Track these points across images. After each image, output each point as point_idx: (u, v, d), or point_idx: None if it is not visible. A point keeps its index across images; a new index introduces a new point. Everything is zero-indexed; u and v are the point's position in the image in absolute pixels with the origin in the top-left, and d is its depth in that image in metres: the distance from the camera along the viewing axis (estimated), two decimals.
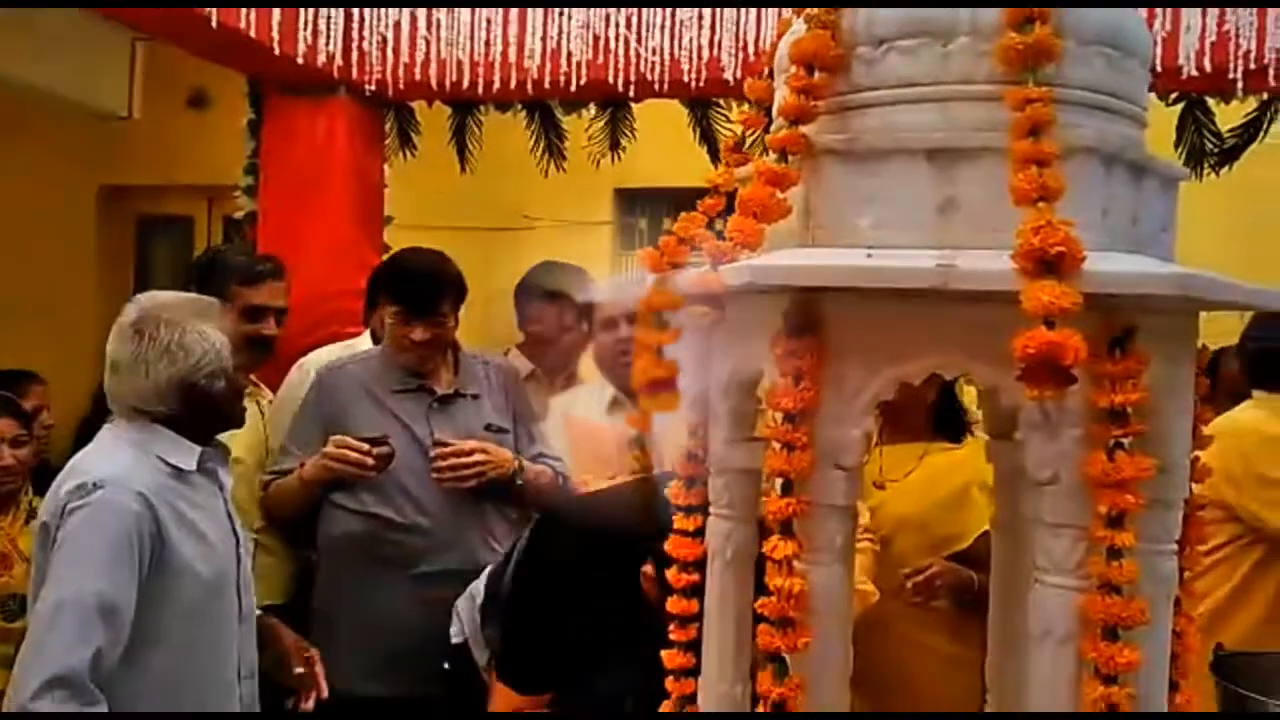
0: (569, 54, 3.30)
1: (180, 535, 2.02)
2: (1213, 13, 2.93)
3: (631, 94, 3.36)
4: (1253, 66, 2.92)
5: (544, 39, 3.31)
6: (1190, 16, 2.94)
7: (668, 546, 1.32)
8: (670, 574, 1.32)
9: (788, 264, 1.10)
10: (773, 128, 1.24)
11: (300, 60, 3.25)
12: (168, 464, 2.06)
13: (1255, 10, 2.91)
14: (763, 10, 3.17)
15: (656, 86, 3.30)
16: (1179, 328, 1.16)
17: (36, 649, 1.88)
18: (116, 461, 2.03)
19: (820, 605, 1.14)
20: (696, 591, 1.31)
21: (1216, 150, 3.26)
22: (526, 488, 2.70)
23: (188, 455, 2.09)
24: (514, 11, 3.33)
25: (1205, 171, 3.26)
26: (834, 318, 1.12)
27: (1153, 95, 1.47)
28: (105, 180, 5.54)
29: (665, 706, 1.33)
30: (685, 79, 3.26)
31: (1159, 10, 2.95)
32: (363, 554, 2.62)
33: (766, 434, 1.17)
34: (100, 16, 4.06)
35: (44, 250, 5.26)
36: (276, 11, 3.13)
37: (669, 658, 1.31)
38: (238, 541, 2.19)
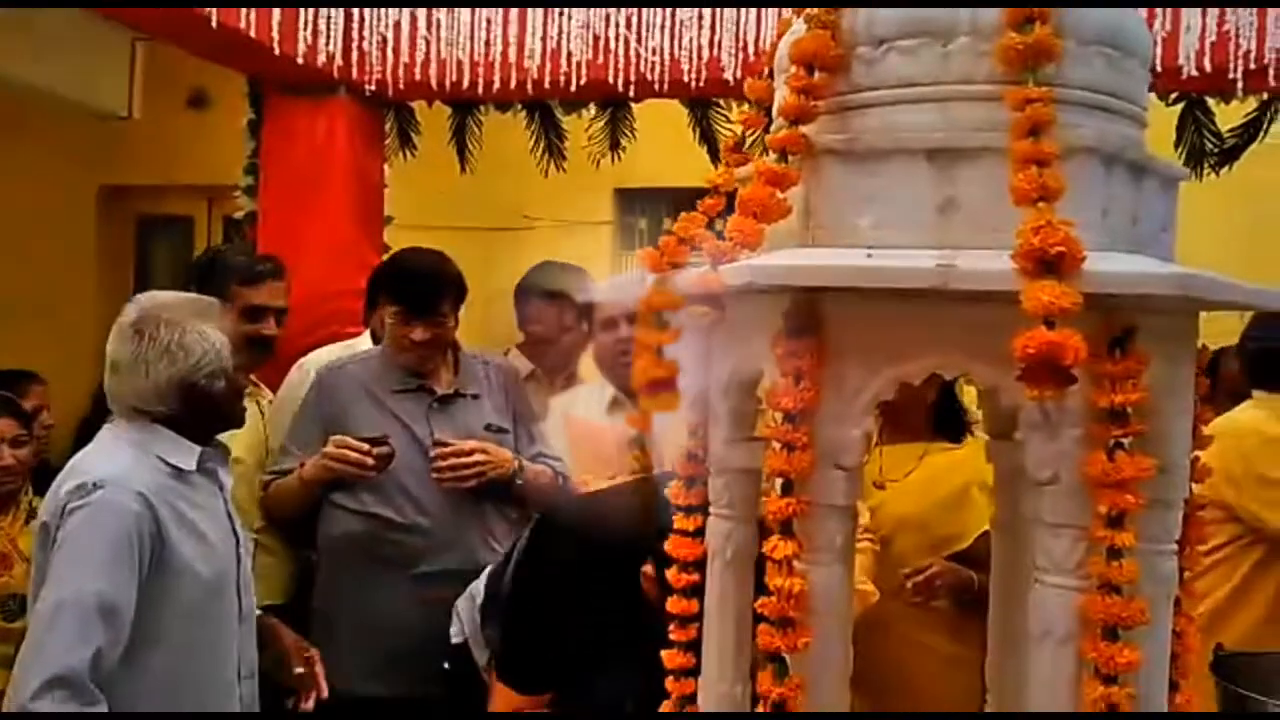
0: (569, 54, 3.30)
1: (180, 535, 2.02)
2: (1213, 13, 2.93)
3: (631, 94, 3.36)
4: (1253, 66, 2.92)
5: (544, 39, 3.31)
6: (1190, 16, 2.94)
7: (668, 546, 1.32)
8: (670, 574, 1.32)
9: (788, 264, 1.10)
10: (773, 128, 1.24)
11: (300, 60, 3.25)
12: (168, 464, 2.06)
13: (1255, 10, 2.91)
14: (763, 10, 3.17)
15: (656, 86, 3.30)
16: (1179, 328, 1.16)
17: (36, 649, 1.88)
18: (116, 461, 2.03)
19: (820, 605, 1.14)
20: (696, 591, 1.30)
21: (1216, 150, 3.26)
22: (526, 487, 2.70)
23: (188, 455, 2.09)
24: (514, 11, 3.33)
25: (1205, 172, 3.26)
26: (834, 318, 1.12)
27: (1152, 95, 1.47)
28: (105, 180, 5.54)
29: (665, 706, 1.33)
30: (685, 79, 3.26)
31: (1159, 10, 2.95)
32: (363, 554, 2.62)
33: (766, 434, 1.17)
34: (100, 16, 4.06)
35: (44, 250, 5.26)
36: (276, 11, 3.13)
37: (669, 657, 1.31)
38: (238, 541, 2.19)
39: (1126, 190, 1.15)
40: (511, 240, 4.94)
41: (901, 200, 1.12)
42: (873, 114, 1.18)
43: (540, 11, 3.31)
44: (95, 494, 1.95)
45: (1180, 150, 3.25)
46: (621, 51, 3.27)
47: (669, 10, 3.25)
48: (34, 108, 4.81)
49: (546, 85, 3.34)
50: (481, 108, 3.64)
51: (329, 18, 3.30)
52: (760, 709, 1.13)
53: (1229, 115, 3.25)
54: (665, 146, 3.64)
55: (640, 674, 1.37)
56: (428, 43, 3.37)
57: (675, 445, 1.33)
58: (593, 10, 3.28)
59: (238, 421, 2.23)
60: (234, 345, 2.16)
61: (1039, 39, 1.08)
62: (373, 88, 3.45)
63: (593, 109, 3.56)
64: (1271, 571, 2.68)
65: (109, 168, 5.40)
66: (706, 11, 3.24)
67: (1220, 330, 2.04)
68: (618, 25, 3.26)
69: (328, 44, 3.30)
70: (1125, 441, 1.04)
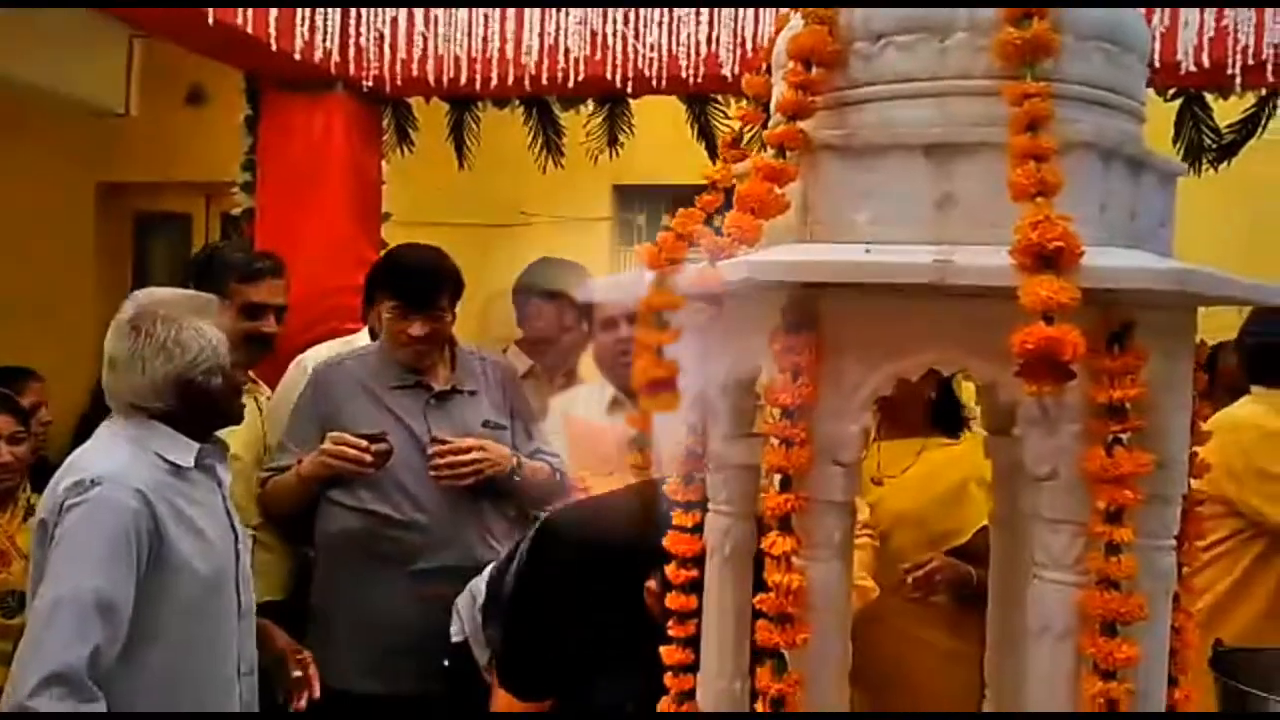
0: (567, 50, 3.29)
1: (178, 532, 2.02)
2: (1211, 8, 2.92)
3: (629, 90, 3.36)
4: (1251, 62, 2.91)
5: (542, 35, 3.31)
6: (1188, 12, 2.93)
7: (667, 543, 1.32)
8: (669, 570, 1.32)
9: (785, 260, 1.10)
10: (770, 123, 1.24)
11: (297, 56, 3.24)
12: (166, 460, 2.06)
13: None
14: (760, 6, 3.17)
15: (654, 83, 3.30)
16: (1177, 323, 1.15)
17: (35, 646, 1.87)
18: (114, 458, 2.03)
19: (819, 601, 1.13)
20: (695, 587, 1.30)
21: (1215, 146, 3.26)
22: (524, 484, 2.70)
23: (186, 452, 2.09)
24: (512, 7, 3.33)
25: (1204, 167, 3.25)
26: (832, 313, 1.12)
27: (1151, 91, 1.47)
28: (103, 177, 5.53)
29: (664, 701, 1.32)
30: (683, 75, 3.26)
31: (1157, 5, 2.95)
32: (361, 551, 2.62)
33: (765, 430, 1.16)
34: (98, 13, 4.06)
35: (42, 247, 5.25)
36: (273, 7, 3.13)
37: (668, 653, 1.31)
38: (236, 538, 2.19)
39: (1125, 185, 1.15)
40: (509, 237, 4.94)
41: (899, 196, 1.12)
42: (870, 109, 1.17)
43: (538, 8, 3.31)
44: (93, 491, 1.95)
45: (1178, 146, 3.25)
46: (619, 48, 3.27)
47: (667, 6, 3.24)
48: (32, 105, 4.80)
49: (544, 81, 3.34)
50: (479, 104, 3.64)
51: (326, 14, 3.29)
52: (759, 705, 1.13)
53: (1227, 111, 3.25)
54: (663, 143, 3.63)
55: (641, 682, 1.36)
56: (425, 39, 3.36)
57: (675, 450, 1.33)
58: (590, 6, 3.28)
59: (236, 418, 2.23)
60: (233, 342, 2.16)
61: (1037, 34, 1.07)
62: (370, 84, 3.45)
63: (590, 105, 3.56)
64: (1272, 566, 2.68)
65: (107, 165, 5.39)
66: (704, 8, 3.23)
67: (1219, 325, 2.04)
68: (615, 21, 3.26)
69: (325, 40, 3.30)
70: (1124, 437, 1.04)
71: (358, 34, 3.40)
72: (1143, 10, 1.30)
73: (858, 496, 1.23)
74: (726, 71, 3.19)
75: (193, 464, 2.09)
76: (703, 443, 1.31)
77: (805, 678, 1.13)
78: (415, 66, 3.37)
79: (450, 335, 2.78)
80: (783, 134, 1.15)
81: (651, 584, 1.59)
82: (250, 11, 3.04)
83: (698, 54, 3.23)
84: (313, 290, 3.34)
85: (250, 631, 2.21)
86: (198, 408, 2.09)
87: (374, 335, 3.01)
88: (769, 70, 1.30)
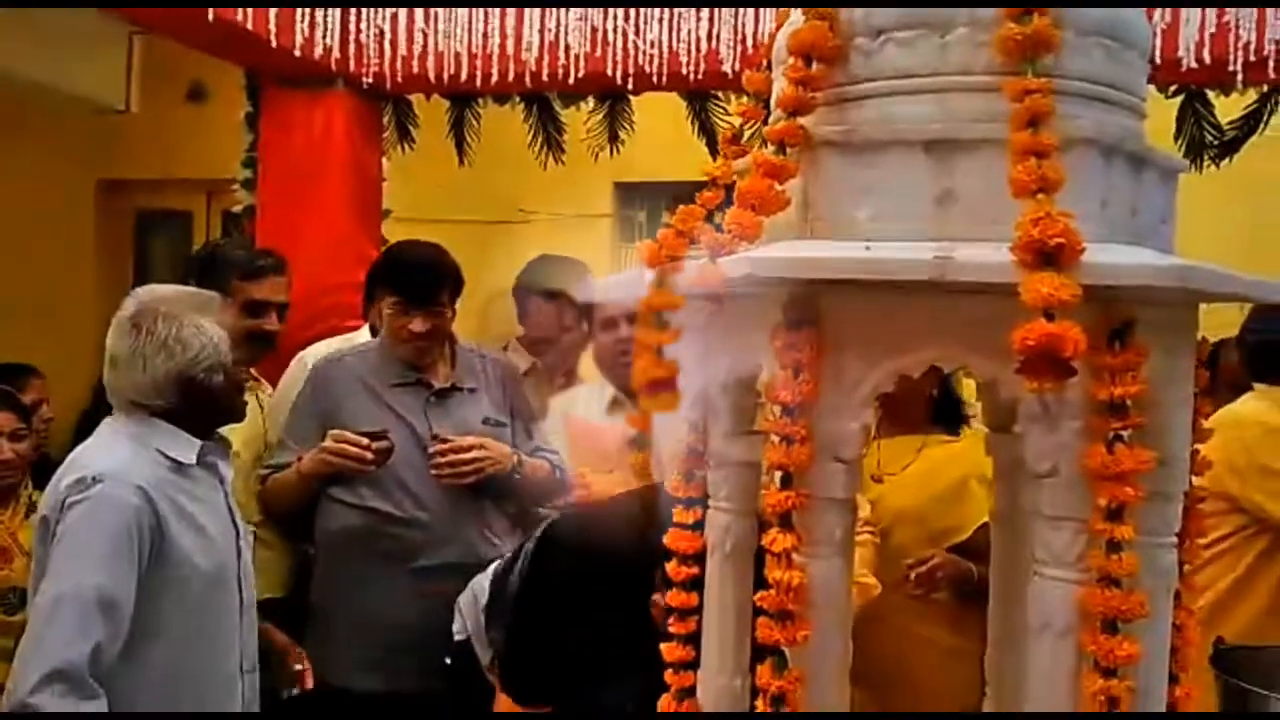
0: (567, 47, 3.29)
1: (180, 528, 2.02)
2: (1212, 7, 2.92)
3: (630, 87, 3.35)
4: (1253, 58, 2.91)
5: (542, 31, 3.31)
6: (1190, 8, 2.93)
7: (668, 540, 1.32)
8: (670, 567, 1.32)
9: (786, 256, 1.10)
10: (771, 119, 1.24)
11: (298, 53, 3.24)
12: (167, 458, 2.06)
13: None
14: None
15: (655, 79, 3.30)
16: (1179, 320, 1.15)
17: (36, 643, 1.88)
18: (116, 455, 2.03)
19: (819, 598, 1.13)
20: (696, 584, 1.30)
21: (1216, 143, 3.26)
22: (524, 482, 2.70)
23: (187, 449, 2.09)
24: (512, 7, 3.32)
25: (1205, 164, 3.25)
26: (832, 310, 1.12)
27: (1152, 87, 1.47)
28: (103, 175, 5.53)
29: (664, 698, 1.32)
30: (684, 72, 3.25)
31: None
32: (361, 548, 2.62)
33: (766, 427, 1.16)
34: (98, 10, 4.06)
35: (43, 245, 5.25)
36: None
37: (668, 650, 1.31)
38: (238, 534, 2.19)
39: (1126, 182, 1.15)
40: (510, 234, 4.94)
41: (900, 192, 1.12)
42: (870, 105, 1.17)
43: (538, 7, 3.30)
44: (95, 488, 1.95)
45: (1180, 143, 3.24)
46: (620, 44, 3.26)
47: (667, 6, 3.24)
48: (32, 102, 4.80)
49: (545, 78, 3.34)
50: (480, 100, 3.64)
51: (326, 10, 3.29)
52: (759, 702, 1.13)
53: (1229, 107, 3.25)
54: (664, 139, 3.63)
55: (644, 691, 1.36)
56: (425, 35, 3.36)
57: (675, 449, 1.33)
58: (591, 6, 3.27)
59: (238, 416, 2.23)
60: (234, 340, 2.16)
61: (1037, 30, 1.07)
62: (370, 80, 3.45)
63: (591, 102, 3.55)
64: (1275, 563, 2.68)
65: (107, 162, 5.39)
66: (705, 7, 3.23)
67: (1221, 322, 2.04)
68: (616, 18, 3.26)
69: (325, 36, 3.29)
70: (1125, 434, 1.04)
71: (358, 30, 3.39)
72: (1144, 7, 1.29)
73: (859, 494, 1.23)
74: (727, 68, 3.18)
75: (194, 461, 2.10)
76: (703, 440, 1.31)
77: (806, 675, 1.13)
78: (416, 63, 3.37)
79: (450, 332, 2.78)
80: (783, 130, 1.14)
81: (658, 597, 1.59)
82: (250, 8, 3.03)
83: (698, 50, 3.23)
84: (313, 287, 3.34)
85: (252, 628, 2.21)
86: (199, 405, 2.09)
87: (374, 332, 3.01)
88: (769, 66, 1.30)
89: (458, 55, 3.36)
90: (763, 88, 1.30)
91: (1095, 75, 1.16)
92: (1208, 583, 2.54)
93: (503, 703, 2.00)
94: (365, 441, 2.57)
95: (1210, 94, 3.22)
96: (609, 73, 3.28)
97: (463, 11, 3.35)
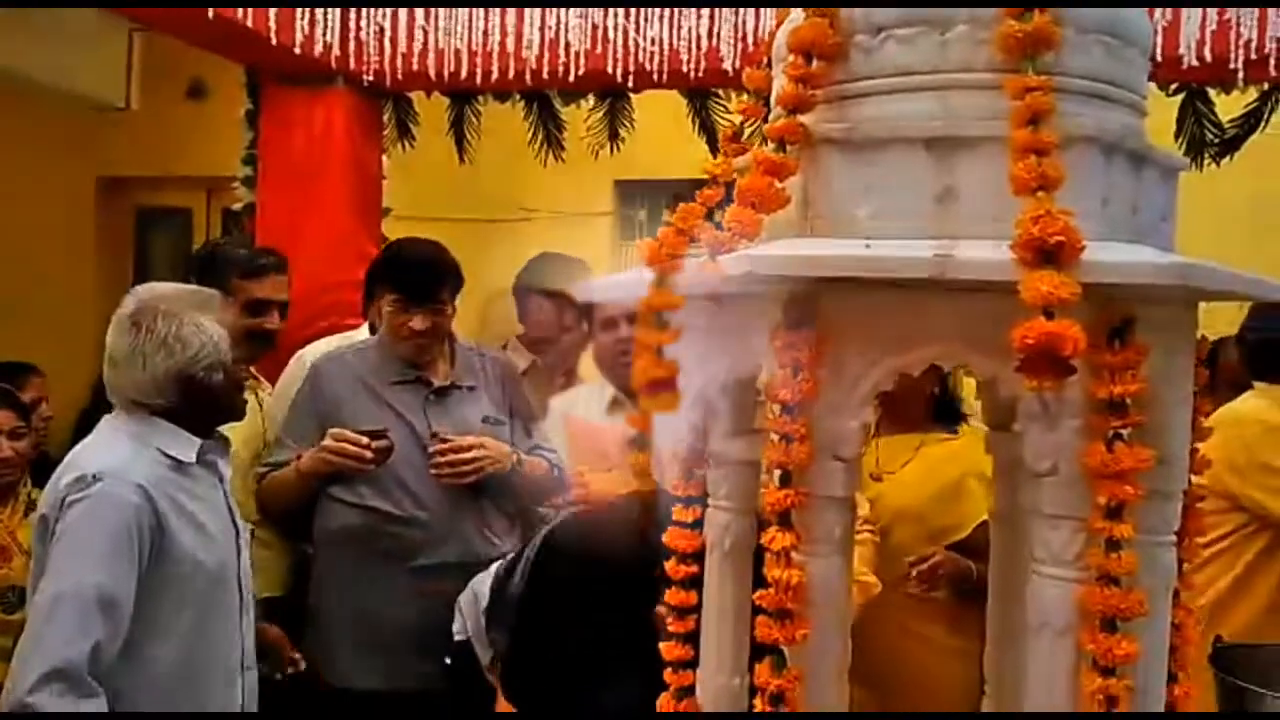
0: (567, 44, 3.29)
1: (180, 526, 2.02)
2: (1213, 7, 2.91)
3: (630, 84, 3.35)
4: (1254, 56, 2.90)
5: (542, 29, 3.30)
6: (1191, 7, 2.93)
7: (667, 539, 1.32)
8: (669, 565, 1.31)
9: (786, 254, 1.09)
10: (771, 117, 1.24)
11: (298, 50, 3.24)
12: (167, 456, 2.06)
13: None
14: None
15: (655, 77, 3.29)
16: (1178, 318, 1.15)
17: (35, 641, 1.88)
18: (116, 454, 2.02)
19: (818, 597, 1.13)
20: (695, 583, 1.30)
21: (1217, 141, 3.25)
22: (524, 481, 2.69)
23: (187, 447, 2.09)
24: (512, 6, 3.32)
25: (1206, 162, 3.25)
26: (832, 308, 1.12)
27: (1153, 86, 1.47)
28: (103, 172, 5.53)
29: (663, 697, 1.32)
30: (684, 69, 3.25)
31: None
32: (361, 547, 2.61)
33: (765, 426, 1.16)
34: (97, 8, 4.05)
35: (43, 242, 5.25)
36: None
37: (667, 649, 1.31)
38: (238, 533, 2.19)
39: (1126, 180, 1.15)
40: (510, 232, 4.93)
41: (900, 190, 1.12)
42: (871, 103, 1.17)
43: (538, 6, 3.30)
44: (94, 486, 1.95)
45: (1180, 141, 3.24)
46: (620, 42, 3.26)
47: (667, 6, 3.24)
48: (32, 99, 4.80)
49: (545, 76, 3.33)
50: (480, 98, 3.63)
51: (326, 8, 3.29)
52: (758, 701, 1.12)
53: (1230, 106, 3.24)
54: (664, 137, 3.63)
55: (644, 696, 1.36)
56: (426, 33, 3.36)
57: (674, 450, 1.33)
58: (591, 5, 3.27)
59: (238, 414, 2.23)
60: (235, 338, 2.16)
61: (1038, 27, 1.07)
62: (370, 78, 3.44)
63: (591, 100, 3.55)
64: (1275, 561, 2.68)
65: (107, 159, 5.39)
66: (705, 7, 3.22)
67: (1221, 321, 2.04)
68: (616, 15, 3.25)
69: (325, 34, 3.29)
70: (1124, 432, 1.03)
71: (358, 28, 3.39)
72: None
73: (859, 493, 1.23)
74: (727, 65, 3.18)
75: (194, 459, 2.09)
76: (703, 438, 1.31)
77: (805, 673, 1.13)
78: (416, 61, 3.37)
79: (450, 330, 2.78)
80: (783, 128, 1.14)
81: (662, 610, 1.59)
82: (250, 6, 3.03)
83: (699, 48, 3.23)
84: (313, 285, 3.34)
85: (251, 627, 2.21)
86: (199, 404, 2.09)
87: (374, 330, 3.00)
88: (770, 64, 1.30)
89: (458, 53, 3.36)
90: (763, 85, 1.30)
91: (1096, 73, 1.16)
92: (1207, 581, 2.54)
93: (503, 703, 2.00)
94: (365, 440, 2.57)
95: (1211, 92, 3.21)
96: (609, 70, 3.28)
97: (463, 9, 3.34)
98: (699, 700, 1.31)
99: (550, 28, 3.30)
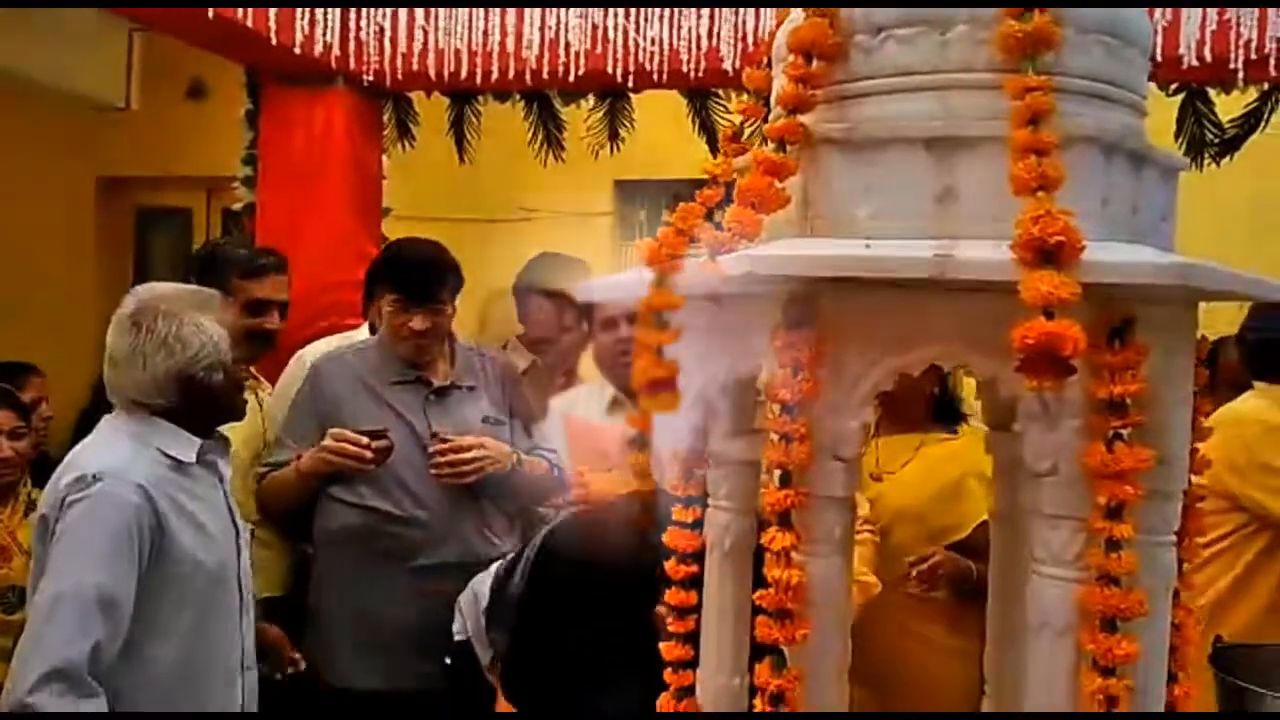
0: (567, 44, 3.29)
1: (180, 526, 2.02)
2: (1213, 7, 2.91)
3: (630, 84, 3.35)
4: (1254, 56, 2.91)
5: (542, 29, 3.31)
6: (1191, 7, 2.93)
7: (667, 539, 1.32)
8: (669, 565, 1.31)
9: (786, 254, 1.09)
10: (771, 117, 1.24)
11: (298, 50, 3.24)
12: (167, 456, 2.06)
13: None
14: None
15: (655, 77, 3.30)
16: (1178, 318, 1.15)
17: (35, 641, 1.87)
18: (116, 454, 2.02)
19: (818, 597, 1.13)
20: (695, 583, 1.30)
21: (1217, 141, 3.25)
22: (523, 481, 2.69)
23: (187, 447, 2.09)
24: (512, 6, 3.32)
25: (1206, 162, 3.25)
26: (832, 308, 1.12)
27: (1153, 86, 1.47)
28: (103, 172, 5.53)
29: (663, 697, 1.32)
30: (684, 69, 3.25)
31: None
32: (360, 547, 2.61)
33: (765, 426, 1.16)
34: (97, 8, 4.05)
35: (43, 242, 5.25)
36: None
37: (667, 649, 1.31)
38: (238, 533, 2.19)
39: (1126, 180, 1.15)
40: (510, 232, 4.93)
41: (900, 190, 1.12)
42: (871, 103, 1.17)
43: (539, 6, 3.30)
44: (94, 486, 1.95)
45: (1180, 141, 3.24)
46: (620, 42, 3.26)
47: (667, 5, 3.24)
48: (32, 99, 4.80)
49: (545, 76, 3.33)
50: (480, 98, 3.63)
51: (326, 8, 3.28)
52: (758, 701, 1.12)
53: (1230, 106, 3.24)
54: (664, 137, 3.63)
55: (644, 698, 1.36)
56: (426, 33, 3.36)
57: (674, 451, 1.33)
58: (591, 5, 3.27)
59: (238, 414, 2.23)
60: (235, 338, 2.16)
61: (1038, 27, 1.07)
62: (370, 78, 3.44)
63: (591, 100, 3.55)
64: (1275, 560, 2.68)
65: (107, 159, 5.39)
66: (705, 7, 3.22)
67: (1222, 321, 2.04)
68: (616, 15, 3.25)
69: (325, 34, 3.29)
70: (1124, 432, 1.03)
71: (358, 28, 3.39)
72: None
73: (859, 493, 1.23)
74: (727, 65, 3.18)
75: (194, 459, 2.09)
76: (703, 438, 1.31)
77: (805, 673, 1.12)
78: (416, 60, 3.37)
79: (450, 330, 2.78)
80: (783, 128, 1.14)
81: (662, 610, 1.59)
82: (250, 6, 3.03)
83: (699, 48, 3.23)
84: (313, 285, 3.34)
85: (251, 627, 2.21)
86: (199, 404, 2.09)
87: (374, 330, 3.00)
88: (770, 64, 1.30)
89: (458, 53, 3.36)
90: (763, 85, 1.30)
91: (1096, 73, 1.16)
92: (1207, 581, 2.54)
93: (503, 703, 2.00)
94: (365, 440, 2.57)
95: (1211, 92, 3.21)
96: (609, 70, 3.28)
97: (463, 9, 3.34)
98: (699, 700, 1.30)
99: (550, 28, 3.30)
